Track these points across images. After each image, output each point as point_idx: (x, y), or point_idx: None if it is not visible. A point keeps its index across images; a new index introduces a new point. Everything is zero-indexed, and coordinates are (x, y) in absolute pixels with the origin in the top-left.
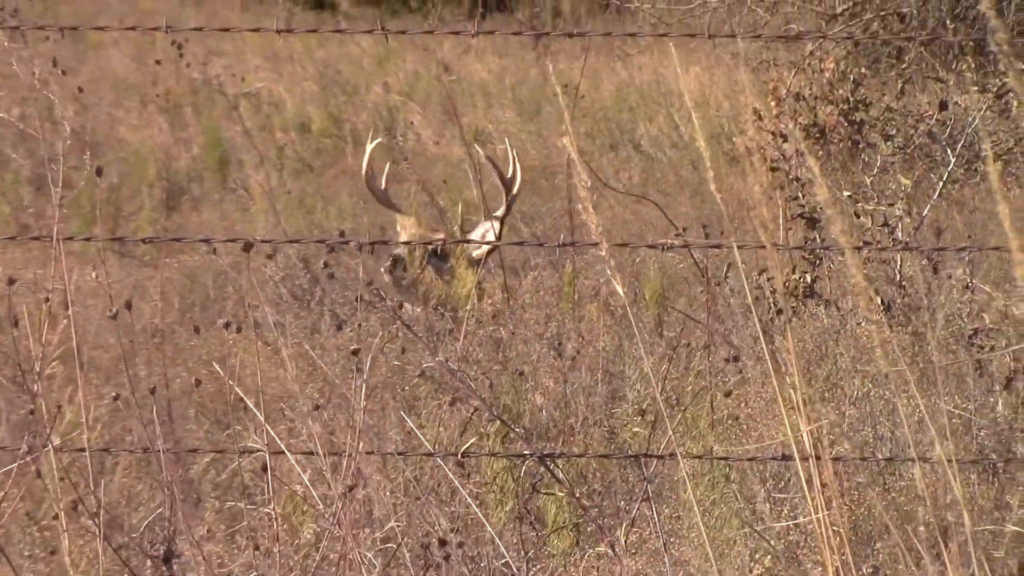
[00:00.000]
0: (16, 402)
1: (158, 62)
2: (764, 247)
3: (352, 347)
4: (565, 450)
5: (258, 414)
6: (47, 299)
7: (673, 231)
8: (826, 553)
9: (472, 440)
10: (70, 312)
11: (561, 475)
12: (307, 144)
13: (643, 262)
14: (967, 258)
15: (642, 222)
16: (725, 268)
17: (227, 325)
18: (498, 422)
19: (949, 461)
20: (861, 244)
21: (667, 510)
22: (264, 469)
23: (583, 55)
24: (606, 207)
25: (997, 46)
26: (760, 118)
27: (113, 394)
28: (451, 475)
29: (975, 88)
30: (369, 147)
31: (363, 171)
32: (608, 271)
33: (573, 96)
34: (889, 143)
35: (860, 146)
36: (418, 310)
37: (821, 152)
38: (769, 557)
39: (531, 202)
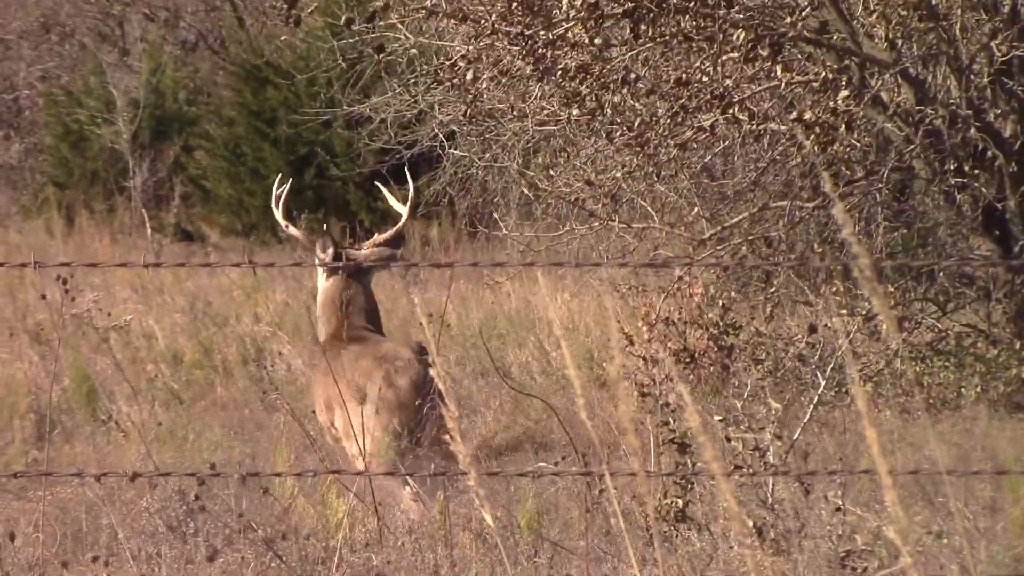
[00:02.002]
0: None
1: (43, 297)
2: (635, 474)
3: None
4: None
5: None
6: None
7: (551, 459)
8: None
9: None
10: None
11: None
12: (177, 375)
13: (519, 488)
14: (838, 480)
15: (512, 448)
16: (597, 494)
17: (95, 559)
18: None
19: None
20: (732, 468)
21: None
22: None
23: (451, 283)
24: (478, 433)
25: (859, 272)
26: (631, 343)
27: None
28: None
29: (844, 311)
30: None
31: (279, 213)
32: (476, 500)
33: (439, 325)
34: (759, 367)
35: (730, 370)
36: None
37: (691, 376)
38: None
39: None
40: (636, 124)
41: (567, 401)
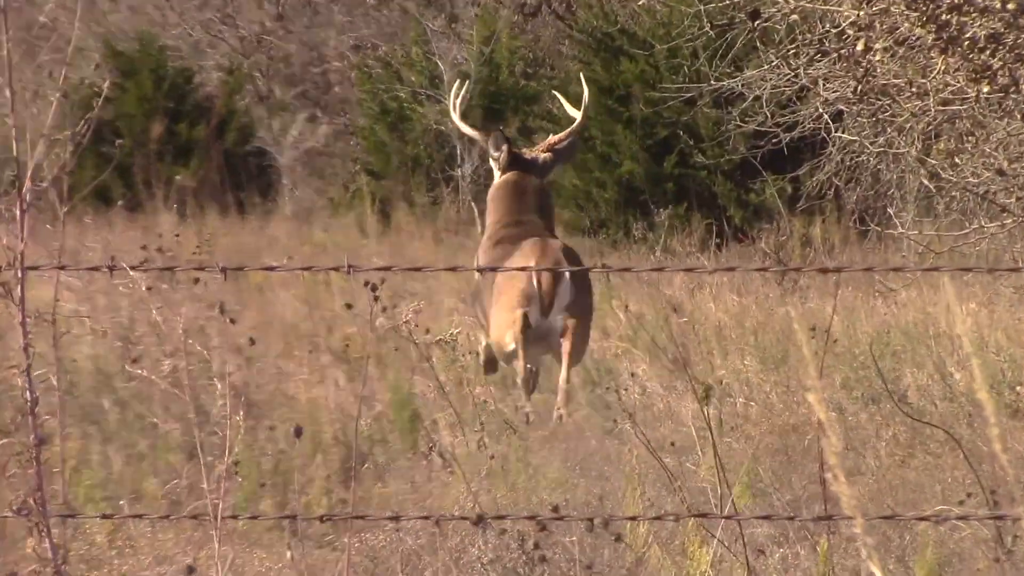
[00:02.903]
0: None
1: (349, 306)
2: None
3: None
4: None
5: None
6: None
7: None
8: None
9: None
10: None
11: None
12: (509, 400)
13: (915, 537)
14: None
15: (910, 488)
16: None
17: None
18: None
19: None
20: None
21: None
22: None
23: (836, 291)
24: (868, 470)
25: None
26: None
27: None
28: None
29: None
30: (460, 91)
31: (456, 115)
32: (864, 550)
33: (824, 341)
34: None
35: None
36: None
37: None
38: None
39: (778, 467)
40: None
41: (974, 432)
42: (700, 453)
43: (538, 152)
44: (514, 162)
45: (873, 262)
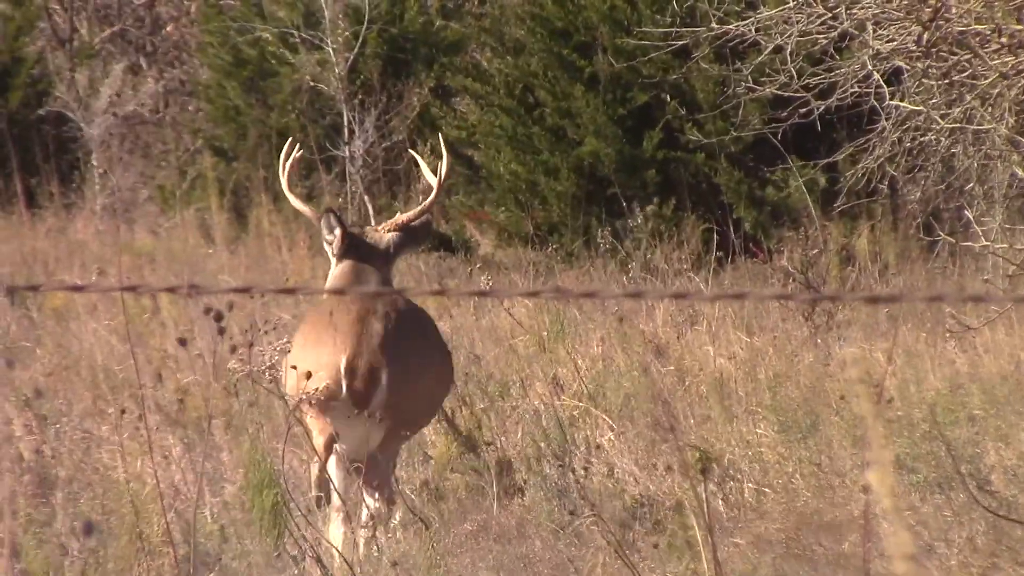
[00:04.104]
0: None
1: (183, 342)
2: None
3: None
4: None
5: None
6: None
7: None
8: None
9: None
10: None
11: None
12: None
13: None
14: None
15: None
16: None
17: None
18: None
19: None
20: None
21: None
22: None
23: (892, 328)
24: None
25: None
26: None
27: None
28: None
29: None
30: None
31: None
32: None
33: (876, 398)
34: None
35: None
36: None
37: None
38: None
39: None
40: None
41: None
42: (692, 559)
43: (383, 233)
44: (351, 248)
45: (944, 289)
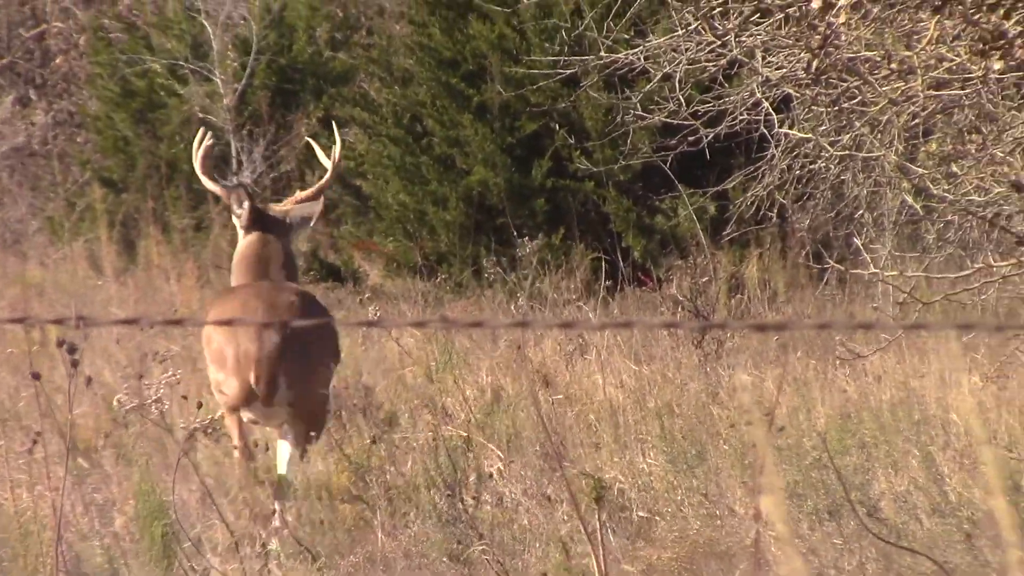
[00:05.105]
0: None
1: (37, 376)
2: None
3: None
4: None
5: None
6: None
7: None
8: None
9: None
10: None
11: None
12: (314, 512)
13: None
14: None
15: None
16: None
17: None
18: None
19: None
20: None
21: None
22: None
23: (782, 356)
24: None
25: None
26: None
27: None
28: None
29: None
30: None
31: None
32: None
33: (767, 427)
34: None
35: None
36: None
37: None
38: None
39: None
40: None
41: (976, 559)
42: None
43: (285, 208)
44: (258, 220)
45: (833, 317)
